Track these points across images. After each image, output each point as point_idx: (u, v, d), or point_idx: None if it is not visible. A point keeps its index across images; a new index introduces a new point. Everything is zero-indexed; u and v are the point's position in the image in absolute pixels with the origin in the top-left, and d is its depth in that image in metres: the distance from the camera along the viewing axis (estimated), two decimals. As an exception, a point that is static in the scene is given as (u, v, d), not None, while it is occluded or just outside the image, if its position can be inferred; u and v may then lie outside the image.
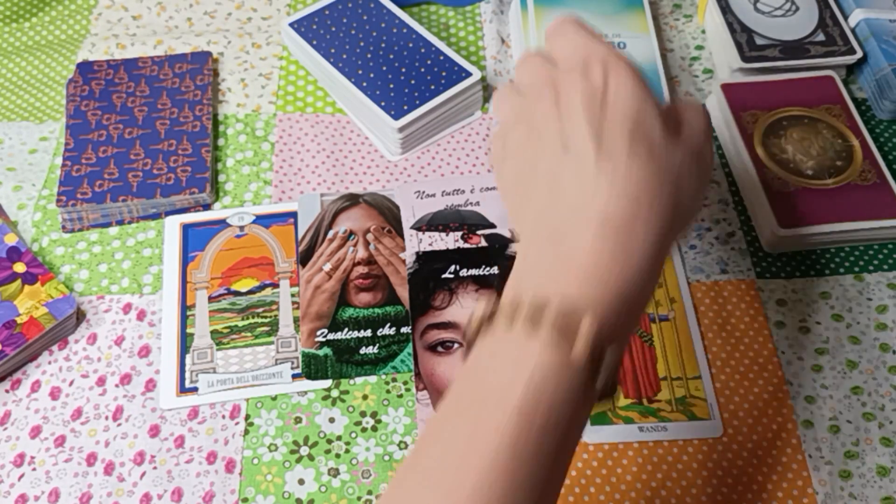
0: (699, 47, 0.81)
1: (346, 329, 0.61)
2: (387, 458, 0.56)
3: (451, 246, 0.66)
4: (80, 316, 0.62)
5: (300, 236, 0.66)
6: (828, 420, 0.58)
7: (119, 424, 0.57)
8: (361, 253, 0.65)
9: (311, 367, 0.60)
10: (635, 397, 0.59)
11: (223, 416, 0.58)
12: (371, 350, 0.61)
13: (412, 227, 0.67)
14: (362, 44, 0.75)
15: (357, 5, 0.78)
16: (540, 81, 0.43)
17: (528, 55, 0.45)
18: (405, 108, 0.70)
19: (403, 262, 0.65)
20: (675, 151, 0.40)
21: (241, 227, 0.67)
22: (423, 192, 0.69)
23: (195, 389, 0.59)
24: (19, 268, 0.61)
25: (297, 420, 0.58)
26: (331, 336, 0.61)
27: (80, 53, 0.78)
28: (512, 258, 0.65)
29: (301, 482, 0.55)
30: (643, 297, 0.39)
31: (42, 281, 0.61)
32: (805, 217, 0.65)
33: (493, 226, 0.67)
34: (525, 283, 0.39)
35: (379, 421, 0.58)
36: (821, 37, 0.77)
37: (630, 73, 0.41)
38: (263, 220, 0.67)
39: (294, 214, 0.67)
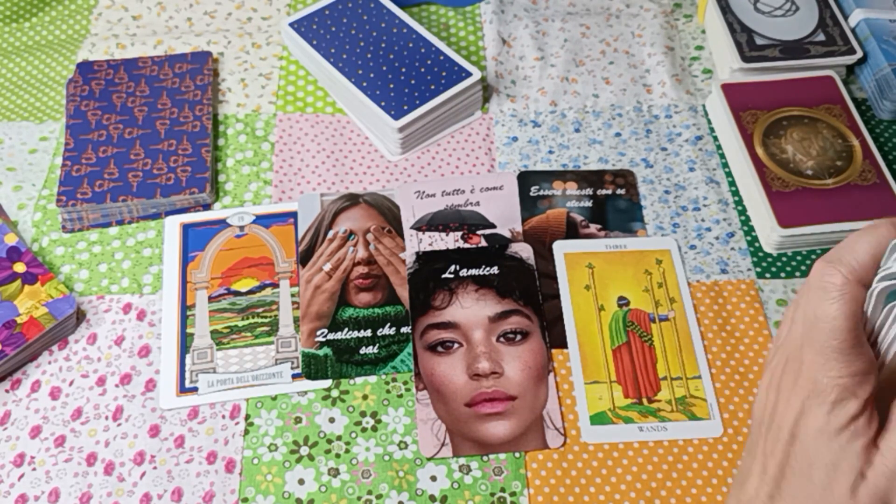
0: (699, 47, 0.81)
1: (346, 329, 0.61)
2: (387, 458, 0.56)
3: (451, 246, 0.66)
4: (80, 316, 0.62)
5: (300, 236, 0.66)
6: (828, 420, 0.58)
7: (119, 424, 0.57)
8: (361, 253, 0.65)
9: (311, 367, 0.60)
10: (635, 397, 0.59)
11: (223, 416, 0.58)
12: (371, 350, 0.61)
13: (412, 227, 0.67)
14: (362, 44, 0.75)
15: (357, 5, 0.78)
16: None
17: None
18: (405, 108, 0.70)
19: (403, 262, 0.65)
20: None
21: (241, 227, 0.67)
22: (423, 192, 0.69)
23: (195, 389, 0.59)
24: (19, 268, 0.61)
25: (297, 420, 0.58)
26: (331, 336, 0.61)
27: (80, 53, 0.78)
28: (511, 258, 0.65)
29: (301, 482, 0.55)
30: None
31: (42, 281, 0.61)
32: (805, 217, 0.65)
33: (493, 226, 0.67)
34: None
35: (379, 421, 0.58)
36: (821, 37, 0.77)
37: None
38: (263, 220, 0.67)
39: (294, 214, 0.67)
